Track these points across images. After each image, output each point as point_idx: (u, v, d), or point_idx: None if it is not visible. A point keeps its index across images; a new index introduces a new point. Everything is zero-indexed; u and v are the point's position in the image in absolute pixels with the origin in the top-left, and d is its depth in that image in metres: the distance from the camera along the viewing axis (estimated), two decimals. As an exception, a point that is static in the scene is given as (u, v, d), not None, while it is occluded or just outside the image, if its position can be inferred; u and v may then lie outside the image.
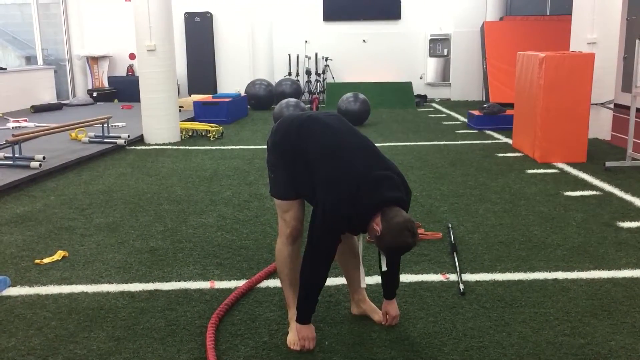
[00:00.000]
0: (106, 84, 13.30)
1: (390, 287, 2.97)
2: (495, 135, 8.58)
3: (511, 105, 8.00)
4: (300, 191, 2.82)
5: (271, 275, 3.60)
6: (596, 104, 7.58)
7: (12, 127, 9.08)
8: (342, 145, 2.69)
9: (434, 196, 5.38)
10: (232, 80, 13.07)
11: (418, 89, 13.19)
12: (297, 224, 2.85)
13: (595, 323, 2.99)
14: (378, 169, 2.62)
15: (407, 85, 12.62)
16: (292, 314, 2.88)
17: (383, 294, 2.99)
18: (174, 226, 4.61)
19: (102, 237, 4.38)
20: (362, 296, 3.10)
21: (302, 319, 2.76)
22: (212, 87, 13.10)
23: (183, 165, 6.82)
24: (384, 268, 2.82)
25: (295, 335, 2.79)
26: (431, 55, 13.39)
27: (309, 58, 13.25)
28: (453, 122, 9.97)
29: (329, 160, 2.65)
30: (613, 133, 8.12)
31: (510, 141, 7.88)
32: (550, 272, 3.65)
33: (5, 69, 11.67)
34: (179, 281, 3.57)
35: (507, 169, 6.45)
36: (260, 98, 11.74)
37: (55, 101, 12.22)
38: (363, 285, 2.90)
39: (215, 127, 8.75)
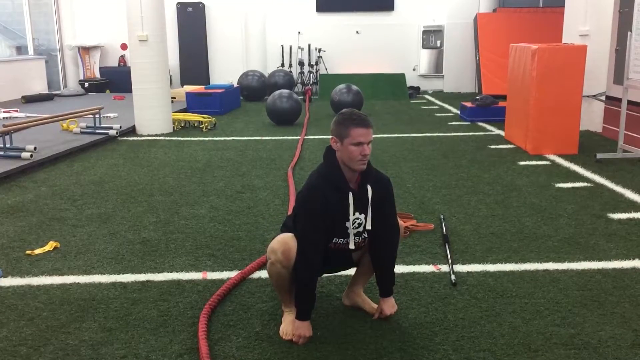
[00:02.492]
0: (98, 75, 13.22)
1: (385, 282, 2.94)
2: (488, 127, 8.60)
3: (504, 97, 8.02)
4: None
5: (263, 266, 3.60)
6: (588, 96, 7.61)
7: (3, 118, 9.02)
8: None
9: (426, 188, 5.39)
10: (225, 71, 13.04)
11: (411, 80, 13.19)
12: (286, 247, 2.81)
13: (585, 313, 3.02)
14: None
15: (400, 77, 12.62)
16: (286, 307, 2.90)
17: (379, 292, 2.96)
18: (166, 217, 4.60)
19: (94, 228, 4.37)
20: (358, 289, 3.10)
21: (301, 317, 2.76)
22: (204, 78, 13.05)
23: (175, 156, 6.80)
24: (369, 227, 2.81)
25: (288, 326, 2.80)
26: (424, 46, 13.39)
27: (302, 49, 13.22)
28: (446, 114, 9.99)
29: None
30: (604, 125, 8.16)
31: (502, 133, 7.90)
32: (541, 263, 3.67)
33: (-4, 58, 11.59)
34: (171, 272, 3.57)
35: (499, 160, 6.47)
36: (253, 89, 11.71)
37: (46, 91, 12.15)
38: (351, 247, 2.86)
39: (208, 118, 8.73)
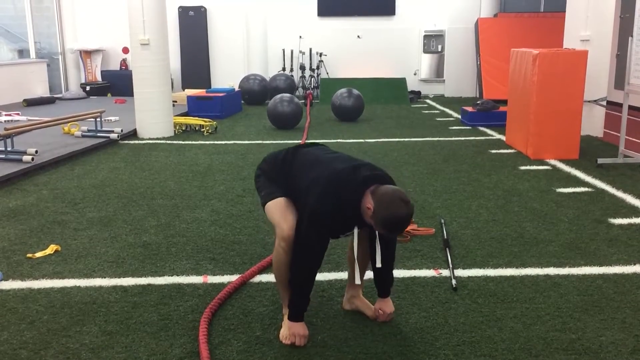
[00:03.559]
0: (99, 78, 13.24)
1: (384, 284, 2.98)
2: (489, 131, 8.61)
3: (504, 102, 8.03)
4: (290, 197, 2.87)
5: (264, 270, 3.61)
6: (589, 101, 7.61)
7: (5, 121, 9.03)
8: (322, 157, 2.86)
9: (427, 192, 5.40)
10: (226, 75, 13.05)
11: (412, 85, 13.19)
12: (293, 231, 2.81)
13: (586, 319, 3.02)
14: (356, 162, 2.76)
15: (401, 81, 12.63)
16: (287, 310, 2.89)
17: (377, 292, 2.99)
18: (167, 221, 4.61)
19: (95, 231, 4.37)
20: (357, 293, 3.10)
21: (293, 318, 2.77)
22: (206, 82, 13.07)
23: (176, 160, 6.81)
24: (378, 264, 2.83)
25: (288, 330, 2.80)
26: (425, 51, 13.40)
27: (303, 53, 13.23)
28: (446, 119, 9.99)
29: (309, 170, 2.78)
30: (605, 130, 8.16)
31: (503, 138, 7.91)
32: (542, 268, 3.67)
33: (-2, 62, 11.61)
34: (172, 276, 3.57)
35: (500, 165, 6.47)
36: (254, 93, 11.72)
37: (47, 95, 12.16)
38: (357, 282, 2.90)
39: (209, 122, 8.74)
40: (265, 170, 3.00)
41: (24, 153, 6.29)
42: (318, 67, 13.04)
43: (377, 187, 2.57)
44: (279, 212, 2.80)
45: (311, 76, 13.05)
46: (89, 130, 7.90)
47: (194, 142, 7.90)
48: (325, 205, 2.61)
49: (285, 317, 2.87)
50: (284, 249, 2.75)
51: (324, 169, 2.74)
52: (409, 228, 4.23)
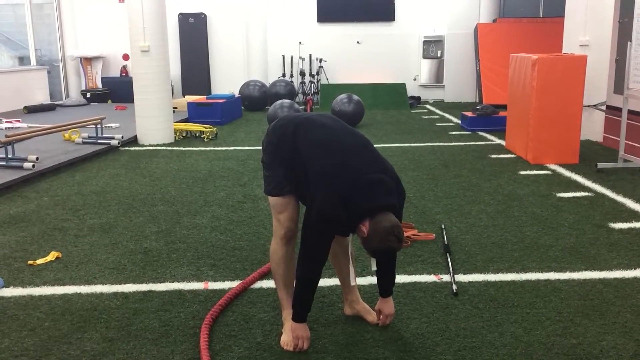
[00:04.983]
0: (100, 85, 13.27)
1: (385, 283, 2.97)
2: (488, 136, 8.62)
3: (504, 107, 8.04)
4: (295, 188, 2.82)
5: (265, 276, 3.61)
6: (588, 106, 7.63)
7: (5, 128, 9.05)
8: (337, 141, 2.72)
9: (427, 197, 5.40)
10: (226, 81, 13.07)
11: (412, 90, 13.22)
12: (292, 224, 2.86)
13: (586, 323, 3.02)
14: (373, 171, 2.63)
15: (401, 87, 12.66)
16: (286, 314, 2.89)
17: (379, 291, 2.99)
18: (167, 227, 4.61)
19: (96, 238, 4.38)
20: (356, 297, 3.11)
21: (297, 318, 2.77)
22: (206, 88, 13.10)
23: (177, 166, 6.82)
24: (374, 268, 2.85)
25: (289, 336, 2.79)
26: (425, 56, 13.44)
27: (303, 59, 13.27)
28: (446, 124, 10.01)
29: (323, 155, 2.67)
30: (605, 135, 8.17)
31: (503, 142, 7.92)
32: (542, 272, 3.67)
33: (-2, 69, 11.64)
34: (173, 282, 3.57)
35: (500, 170, 6.48)
36: (255, 99, 11.74)
37: (48, 102, 12.19)
38: (352, 283, 2.92)
39: (209, 128, 8.75)
40: (274, 143, 2.85)
41: (25, 160, 6.30)
42: (318, 73, 13.08)
43: (379, 214, 2.55)
44: (280, 209, 2.86)
45: (311, 82, 13.08)
46: (89, 137, 7.91)
47: (194, 149, 7.91)
48: (334, 208, 2.57)
49: (286, 324, 2.87)
50: (278, 244, 2.87)
51: (337, 164, 2.63)
52: (409, 233, 4.24)
